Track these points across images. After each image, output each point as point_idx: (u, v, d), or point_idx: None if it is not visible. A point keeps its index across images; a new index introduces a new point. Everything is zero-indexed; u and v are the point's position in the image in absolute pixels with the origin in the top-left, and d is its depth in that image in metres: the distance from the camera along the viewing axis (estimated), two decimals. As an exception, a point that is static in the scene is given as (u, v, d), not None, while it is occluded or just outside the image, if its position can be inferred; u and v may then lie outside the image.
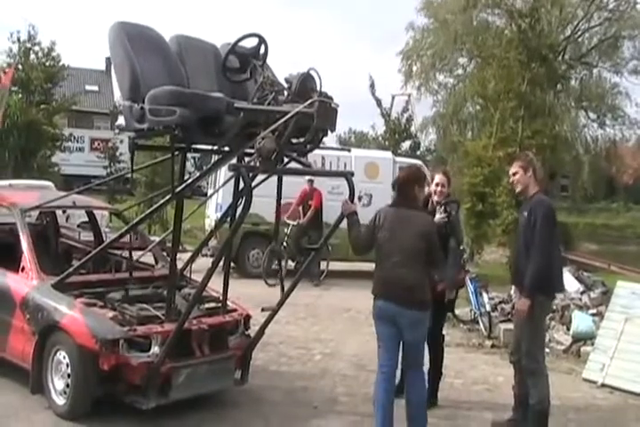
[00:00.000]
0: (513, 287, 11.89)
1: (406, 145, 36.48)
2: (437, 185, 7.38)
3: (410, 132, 35.75)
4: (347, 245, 6.84)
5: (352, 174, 6.86)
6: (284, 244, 14.83)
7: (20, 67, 25.60)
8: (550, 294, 6.66)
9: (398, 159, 18.25)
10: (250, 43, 6.29)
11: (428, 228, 6.10)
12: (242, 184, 5.93)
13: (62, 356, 6.32)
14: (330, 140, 46.17)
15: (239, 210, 5.87)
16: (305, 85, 5.83)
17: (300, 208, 15.58)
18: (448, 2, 31.74)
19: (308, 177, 14.74)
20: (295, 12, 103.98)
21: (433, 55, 33.67)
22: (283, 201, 15.30)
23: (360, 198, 15.92)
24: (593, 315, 10.24)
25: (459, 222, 7.48)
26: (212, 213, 16.70)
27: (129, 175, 8.58)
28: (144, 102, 5.78)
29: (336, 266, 15.88)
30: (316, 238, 14.41)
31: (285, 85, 6.03)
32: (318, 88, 5.83)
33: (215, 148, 6.57)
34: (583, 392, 8.16)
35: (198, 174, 7.13)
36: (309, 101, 5.54)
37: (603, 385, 8.35)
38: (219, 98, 5.77)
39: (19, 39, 26.01)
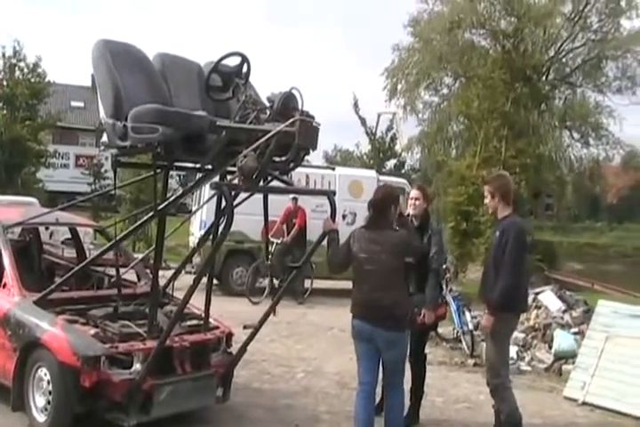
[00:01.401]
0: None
1: (391, 164, 36.66)
2: (412, 199, 7.43)
3: (394, 150, 35.94)
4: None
5: (334, 193, 6.91)
6: (269, 262, 14.86)
7: (4, 83, 25.62)
8: (516, 312, 6.78)
9: (382, 178, 18.32)
10: (233, 61, 6.33)
11: (402, 242, 6.14)
12: (224, 202, 5.95)
13: (44, 373, 6.30)
14: (316, 158, 46.28)
15: (221, 228, 5.90)
16: (287, 104, 5.86)
17: (285, 226, 15.60)
18: (433, 21, 31.95)
19: (291, 195, 14.79)
20: (281, 31, 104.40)
21: (418, 73, 33.82)
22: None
23: (344, 217, 16.01)
24: (575, 333, 10.30)
25: (442, 249, 7.50)
26: (195, 231, 16.71)
27: (113, 192, 8.59)
28: (127, 120, 5.80)
29: (320, 284, 15.89)
30: (300, 257, 14.41)
31: (267, 104, 6.08)
32: (300, 107, 5.86)
33: (198, 166, 6.59)
34: (564, 410, 8.19)
35: (181, 192, 7.14)
36: (291, 120, 5.57)
37: (584, 403, 8.37)
38: (201, 116, 5.81)
39: (3, 55, 26.03)
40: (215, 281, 16.35)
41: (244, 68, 6.32)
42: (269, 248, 15.25)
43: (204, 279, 6.82)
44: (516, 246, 6.41)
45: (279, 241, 15.26)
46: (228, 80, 6.33)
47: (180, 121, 5.66)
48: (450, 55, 30.95)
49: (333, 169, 18.67)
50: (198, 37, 74.41)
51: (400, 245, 6.10)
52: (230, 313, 7.07)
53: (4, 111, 25.51)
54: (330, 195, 6.83)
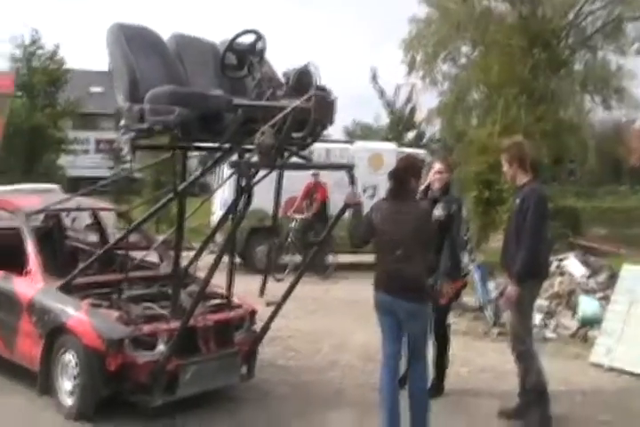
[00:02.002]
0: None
1: (410, 136, 36.49)
2: (437, 173, 7.41)
3: (414, 122, 35.77)
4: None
5: (353, 167, 6.87)
6: (291, 238, 14.89)
7: (24, 71, 25.70)
8: (538, 279, 6.75)
9: (402, 150, 18.24)
10: (247, 39, 6.33)
11: (424, 217, 6.10)
12: (243, 180, 5.95)
13: (70, 357, 6.38)
14: (337, 132, 46.17)
15: (241, 206, 5.92)
16: (302, 80, 5.87)
17: (306, 202, 15.60)
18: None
19: (312, 171, 14.76)
20: (296, 10, 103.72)
21: (435, 44, 33.51)
22: (288, 195, 15.62)
23: (365, 190, 15.96)
24: (600, 299, 10.25)
25: (460, 220, 7.44)
26: (217, 210, 16.75)
27: (135, 176, 8.63)
28: (143, 102, 5.81)
29: (344, 259, 15.91)
30: (322, 232, 14.46)
31: (284, 81, 6.08)
32: (315, 82, 5.85)
33: (216, 145, 6.60)
34: (590, 377, 8.20)
35: (199, 172, 7.17)
36: (306, 96, 5.58)
37: (610, 369, 8.37)
38: (217, 96, 5.81)
39: (22, 43, 26.07)
40: (239, 259, 16.54)
41: (259, 46, 6.31)
42: (291, 225, 15.33)
43: (226, 258, 6.85)
44: (536, 213, 6.38)
45: (301, 217, 15.27)
46: (242, 58, 6.34)
47: (197, 101, 5.66)
48: (467, 23, 30.59)
49: (352, 143, 18.63)
50: (213, 17, 74.16)
51: (423, 217, 6.09)
52: (255, 291, 7.09)
53: (24, 99, 25.56)
54: (350, 169, 6.79)
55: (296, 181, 15.00)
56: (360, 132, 49.37)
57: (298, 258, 15.05)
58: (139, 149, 6.62)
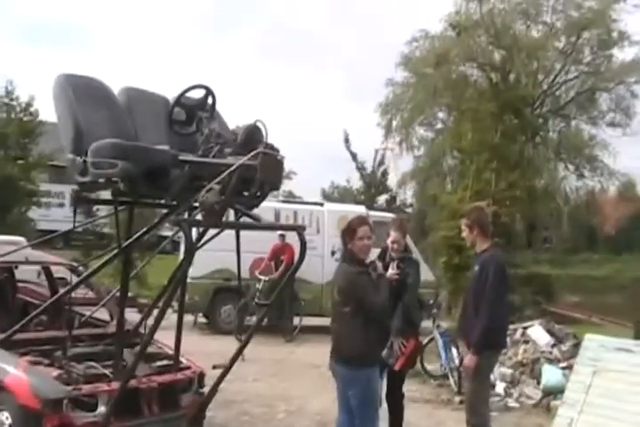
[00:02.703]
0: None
1: (382, 199, 36.69)
2: (392, 242, 7.29)
3: (386, 185, 35.99)
4: (320, 300, 6.74)
5: (303, 229, 6.75)
6: (256, 299, 14.67)
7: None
8: (497, 349, 6.61)
9: (372, 213, 18.15)
10: (197, 94, 6.23)
11: (345, 280, 5.93)
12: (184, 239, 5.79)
13: (5, 417, 6.13)
14: (314, 194, 46.31)
15: (182, 264, 5.78)
16: (251, 137, 5.74)
17: (273, 263, 15.43)
18: (425, 57, 32.09)
19: (279, 232, 14.66)
20: (271, 65, 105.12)
21: (412, 109, 33.92)
22: (255, 256, 15.43)
23: (333, 253, 15.84)
24: (563, 368, 10.09)
25: (416, 280, 7.31)
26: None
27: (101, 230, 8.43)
28: (87, 155, 5.68)
29: (310, 321, 15.68)
30: (289, 294, 14.29)
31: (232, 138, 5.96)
32: (264, 140, 5.74)
33: (162, 201, 6.46)
34: (550, 450, 7.95)
35: (145, 229, 7.01)
36: (252, 153, 5.45)
37: (571, 441, 8.13)
38: (163, 151, 5.69)
39: (-4, 95, 26.09)
40: (204, 319, 16.30)
41: (209, 101, 6.22)
42: (257, 285, 15.13)
43: (169, 316, 6.67)
44: (495, 282, 6.29)
45: (267, 278, 15.08)
46: (191, 113, 6.22)
47: (140, 155, 5.52)
48: (443, 89, 31.05)
49: (322, 205, 18.56)
50: (188, 72, 75.03)
51: (344, 283, 5.93)
52: (217, 352, 6.92)
53: (-4, 150, 25.48)
54: (299, 230, 6.66)
55: (264, 242, 14.93)
56: (337, 195, 49.47)
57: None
58: (82, 202, 6.46)
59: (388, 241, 7.36)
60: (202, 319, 16.37)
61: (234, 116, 6.65)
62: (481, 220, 6.69)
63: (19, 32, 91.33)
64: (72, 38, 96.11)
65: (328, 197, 49.63)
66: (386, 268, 6.87)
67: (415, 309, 7.32)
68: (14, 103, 26.27)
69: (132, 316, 8.23)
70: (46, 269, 9.14)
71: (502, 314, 6.54)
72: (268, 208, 15.17)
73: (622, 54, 32.43)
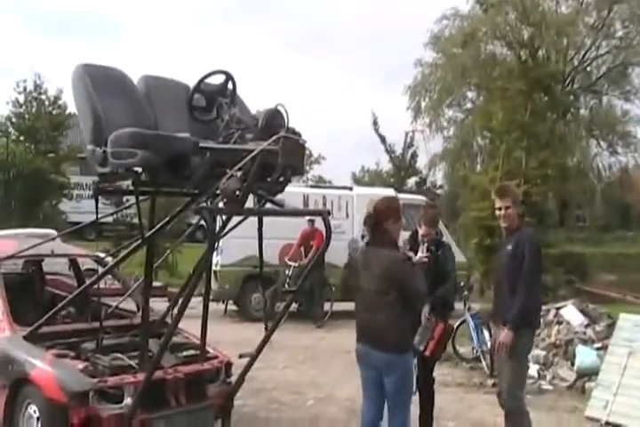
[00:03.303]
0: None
1: (412, 181, 36.49)
2: (423, 235, 7.22)
3: (416, 167, 35.80)
4: (350, 285, 6.64)
5: (328, 213, 6.63)
6: (286, 285, 14.61)
7: (26, 116, 25.81)
8: (533, 329, 6.48)
9: (401, 196, 17.98)
10: (217, 80, 6.14)
11: (390, 267, 5.73)
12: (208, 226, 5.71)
13: (33, 410, 6.10)
14: (344, 178, 46.20)
15: (205, 252, 5.71)
16: (272, 122, 5.63)
17: (302, 249, 15.35)
18: (454, 36, 31.81)
19: (307, 217, 14.57)
20: (301, 57, 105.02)
21: (441, 90, 33.68)
22: (284, 242, 15.34)
23: (363, 237, 15.70)
24: (598, 349, 9.92)
25: (453, 265, 7.30)
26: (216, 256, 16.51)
27: (106, 220, 8.38)
28: (107, 146, 5.61)
29: (341, 306, 15.59)
30: (318, 279, 14.20)
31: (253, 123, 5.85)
32: (285, 124, 5.64)
33: (184, 190, 6.38)
34: (586, 432, 7.82)
35: (167, 218, 6.95)
36: (273, 138, 5.34)
37: (607, 423, 7.98)
38: (183, 138, 5.60)
39: (25, 89, 26.20)
40: (235, 307, 16.28)
41: (229, 86, 6.12)
42: (287, 272, 15.06)
43: (199, 305, 6.62)
44: (532, 261, 6.17)
45: (297, 264, 15.01)
46: (211, 100, 6.12)
47: (161, 144, 5.44)
48: (472, 69, 30.79)
49: (351, 189, 18.43)
50: (212, 63, 74.91)
51: (388, 270, 5.73)
52: (248, 340, 6.85)
53: (26, 144, 25.60)
54: (325, 215, 6.54)
55: (293, 228, 14.86)
56: (367, 178, 49.36)
57: (294, 306, 14.75)
58: (102, 193, 6.41)
59: (420, 233, 7.26)
60: (232, 307, 16.33)
61: (260, 103, 6.53)
62: (517, 197, 6.65)
63: (48, 26, 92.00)
64: (101, 30, 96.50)
65: (358, 181, 49.58)
66: (415, 251, 6.79)
67: (451, 294, 7.27)
68: (43, 97, 26.38)
69: (161, 306, 8.21)
70: (73, 262, 9.12)
71: (539, 293, 6.49)
72: (296, 193, 15.11)
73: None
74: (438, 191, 36.78)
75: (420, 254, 6.77)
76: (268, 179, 5.74)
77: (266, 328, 6.84)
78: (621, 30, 32.96)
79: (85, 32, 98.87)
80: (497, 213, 6.54)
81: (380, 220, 5.91)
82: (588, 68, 34.14)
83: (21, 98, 26.48)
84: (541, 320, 8.60)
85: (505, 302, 6.28)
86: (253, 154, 5.26)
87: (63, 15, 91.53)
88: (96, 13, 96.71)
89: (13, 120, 26.47)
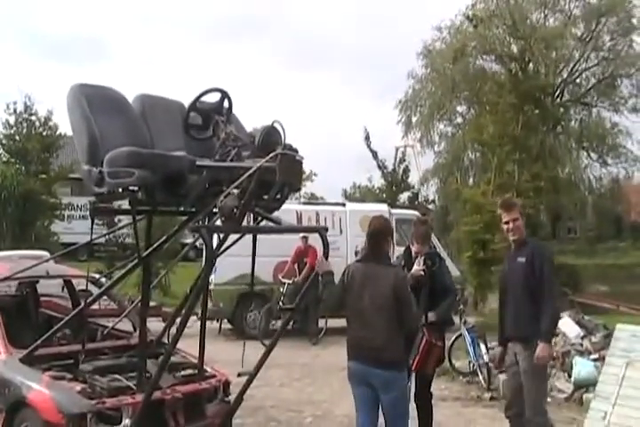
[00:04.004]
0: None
1: (405, 196, 36.52)
2: (416, 253, 7.21)
3: (408, 183, 35.85)
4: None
5: (326, 229, 6.66)
6: (281, 303, 14.57)
7: (16, 137, 25.75)
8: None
9: (394, 211, 18.02)
10: (213, 98, 6.15)
11: (398, 284, 5.71)
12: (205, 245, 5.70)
13: (31, 433, 6.06)
14: (335, 195, 46.20)
15: (203, 271, 5.70)
16: (268, 139, 5.65)
17: (296, 266, 15.33)
18: (444, 51, 31.95)
19: (301, 234, 14.56)
20: (298, 75, 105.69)
21: (431, 105, 33.78)
22: (278, 260, 15.30)
23: (356, 253, 15.69)
24: (594, 360, 9.91)
25: (443, 273, 7.24)
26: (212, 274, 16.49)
27: (98, 241, 8.36)
28: (103, 166, 5.60)
29: (336, 323, 15.53)
30: (313, 297, 14.15)
31: (249, 140, 5.85)
32: (282, 141, 5.64)
33: (181, 209, 6.37)
34: (585, 444, 7.77)
35: (164, 238, 6.93)
36: (271, 155, 5.35)
37: (606, 435, 7.96)
38: (179, 157, 5.62)
39: (15, 110, 26.16)
40: (229, 326, 16.22)
41: (225, 104, 6.13)
42: (281, 289, 15.02)
43: (194, 324, 6.59)
44: (551, 269, 6.26)
45: (291, 281, 14.98)
46: (207, 118, 6.14)
47: (157, 163, 5.45)
48: (462, 83, 30.92)
49: (344, 205, 18.43)
50: (201, 81, 75.14)
51: (396, 286, 5.73)
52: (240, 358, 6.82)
53: (17, 166, 25.53)
54: (322, 231, 6.58)
55: (287, 245, 14.83)
56: (358, 194, 49.39)
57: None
58: (99, 213, 6.40)
59: (413, 250, 7.26)
60: (227, 326, 16.28)
61: (253, 120, 6.55)
62: (521, 209, 6.67)
63: (39, 48, 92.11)
64: (90, 50, 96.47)
65: (349, 197, 49.60)
66: (409, 267, 6.81)
67: (454, 308, 7.28)
68: (34, 118, 26.35)
69: (156, 325, 8.17)
70: (68, 283, 9.08)
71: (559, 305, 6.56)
72: (289, 210, 15.06)
73: (642, 39, 32.18)
74: (430, 206, 36.82)
75: (416, 267, 6.80)
76: (265, 196, 5.75)
77: (264, 345, 6.81)
78: (609, 42, 33.14)
79: (75, 54, 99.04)
80: (504, 227, 6.54)
81: (380, 237, 5.92)
82: (578, 81, 34.30)
83: (12, 119, 26.42)
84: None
85: (524, 315, 6.27)
86: (251, 171, 5.27)
87: (53, 37, 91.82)
88: (82, 35, 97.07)
89: (4, 142, 26.38)
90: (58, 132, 26.71)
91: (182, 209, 6.32)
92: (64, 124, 25.38)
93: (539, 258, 6.21)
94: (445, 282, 7.13)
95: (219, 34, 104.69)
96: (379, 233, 5.97)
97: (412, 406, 6.66)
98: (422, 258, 6.98)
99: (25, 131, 26.14)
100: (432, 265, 7.02)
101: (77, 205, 34.93)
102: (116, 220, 28.58)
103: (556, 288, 6.30)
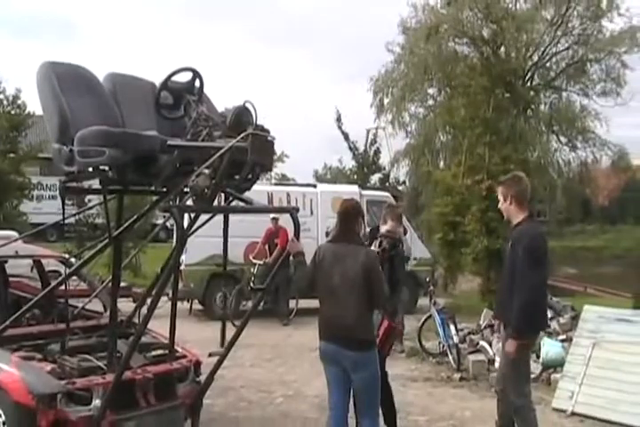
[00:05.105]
0: (482, 317, 11.73)
1: (376, 178, 36.56)
2: (389, 231, 7.28)
3: (379, 164, 35.87)
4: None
5: (297, 210, 6.65)
6: (251, 284, 14.57)
7: (-17, 116, 25.45)
8: (536, 331, 6.44)
9: (365, 192, 18.06)
10: (185, 77, 6.10)
11: (369, 262, 5.72)
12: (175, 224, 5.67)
13: (-1, 415, 6.02)
14: (307, 176, 46.18)
15: (174, 251, 5.68)
16: (240, 119, 5.61)
17: (267, 247, 15.33)
18: (418, 31, 31.80)
19: (271, 215, 14.57)
20: (271, 54, 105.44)
21: (403, 87, 33.65)
22: (249, 240, 15.28)
23: (327, 234, 15.71)
24: (562, 341, 10.05)
25: (396, 268, 7.14)
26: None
27: (68, 221, 8.30)
28: (73, 144, 5.55)
29: (307, 304, 15.57)
30: (284, 277, 14.15)
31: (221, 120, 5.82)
32: (254, 121, 5.61)
33: (152, 188, 6.32)
34: (552, 423, 7.84)
35: (135, 217, 6.89)
36: (242, 135, 5.32)
37: (573, 414, 8.06)
38: (151, 136, 5.57)
39: (-18, 89, 25.85)
40: (199, 306, 16.20)
41: (197, 84, 6.09)
42: (252, 270, 15.03)
43: (165, 305, 6.55)
44: (529, 259, 5.90)
45: (261, 262, 14.98)
46: (179, 97, 6.09)
47: (128, 142, 5.40)
48: (435, 65, 30.85)
49: (315, 186, 18.43)
50: (175, 57, 74.71)
51: (369, 261, 5.77)
52: (212, 338, 6.82)
53: (-15, 145, 25.25)
54: (293, 212, 6.56)
55: (258, 226, 14.82)
56: (330, 176, 49.39)
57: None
58: (70, 193, 6.35)
59: (384, 228, 7.27)
60: (197, 306, 16.26)
61: (225, 100, 6.51)
62: (517, 189, 6.30)
63: (3, 26, 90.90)
64: (59, 30, 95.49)
65: (320, 178, 49.58)
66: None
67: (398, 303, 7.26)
68: (1, 97, 26.03)
69: (127, 306, 8.13)
70: (37, 263, 9.02)
71: (540, 293, 6.12)
72: (260, 191, 15.05)
73: (612, 25, 32.24)
74: (401, 188, 36.81)
75: (372, 247, 6.81)
76: (237, 176, 5.72)
77: (234, 325, 6.79)
78: (579, 27, 33.18)
79: (43, 32, 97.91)
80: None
81: (351, 217, 5.93)
82: (548, 65, 34.30)
83: (-21, 98, 26.11)
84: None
85: (504, 303, 6.21)
86: (222, 151, 5.23)
87: (16, 15, 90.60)
88: (50, 13, 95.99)
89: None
90: (26, 111, 26.41)
91: (153, 189, 6.26)
92: (32, 103, 25.15)
93: (518, 244, 6.05)
94: (395, 276, 7.03)
95: (190, 12, 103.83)
96: (349, 213, 5.98)
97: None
98: (379, 240, 7.02)
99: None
100: (390, 249, 7.02)
101: (47, 185, 34.65)
102: (85, 200, 28.58)
103: (533, 278, 5.86)
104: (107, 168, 5.67)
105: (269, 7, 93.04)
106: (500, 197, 6.40)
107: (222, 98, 6.69)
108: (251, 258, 15.14)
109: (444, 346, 10.89)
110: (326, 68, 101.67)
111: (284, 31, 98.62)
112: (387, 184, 35.30)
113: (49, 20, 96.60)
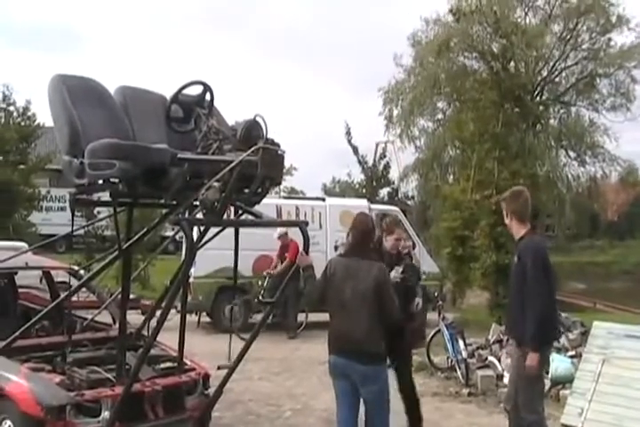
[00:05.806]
0: (491, 332, 11.69)
1: (385, 192, 36.55)
2: (397, 240, 7.28)
3: (388, 178, 35.85)
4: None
5: (306, 223, 6.65)
6: (260, 297, 14.56)
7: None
8: (551, 342, 6.41)
9: (374, 206, 18.08)
10: (195, 91, 6.13)
11: (380, 277, 5.75)
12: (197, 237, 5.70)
13: (8, 425, 6.04)
14: (315, 189, 46.21)
15: (183, 264, 5.69)
16: (250, 133, 5.64)
17: (279, 261, 15.33)
18: (428, 44, 31.88)
19: (278, 232, 14.64)
20: (282, 68, 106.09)
21: (413, 100, 33.68)
22: (257, 253, 15.28)
23: (336, 248, 15.71)
24: (571, 357, 10.01)
25: (414, 286, 7.31)
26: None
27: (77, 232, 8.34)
28: (84, 157, 5.58)
29: (316, 317, 15.55)
30: (293, 291, 14.13)
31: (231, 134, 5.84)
32: (264, 135, 5.63)
33: (162, 201, 6.35)
34: (561, 440, 7.82)
35: (145, 230, 6.92)
36: (252, 149, 5.35)
37: (582, 431, 8.02)
38: (161, 149, 5.59)
39: (-7, 100, 25.95)
40: (208, 319, 16.19)
41: (207, 97, 6.12)
42: (262, 283, 15.03)
43: (173, 317, 6.56)
44: (536, 272, 5.91)
45: (265, 273, 15.01)
46: (189, 110, 6.13)
47: (139, 155, 5.43)
48: (444, 79, 30.90)
49: (324, 200, 18.44)
50: (184, 71, 75.38)
51: (380, 276, 5.78)
52: (222, 351, 6.80)
53: (-6, 156, 25.33)
54: (302, 226, 6.58)
55: (267, 239, 14.83)
56: (338, 189, 49.44)
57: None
58: (80, 205, 6.37)
59: (392, 238, 7.26)
60: (206, 319, 16.25)
61: (234, 113, 6.54)
62: (515, 205, 6.31)
63: (13, 37, 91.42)
64: (68, 42, 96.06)
65: (329, 191, 49.63)
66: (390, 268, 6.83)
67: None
68: (12, 108, 26.14)
69: (135, 318, 8.14)
70: (47, 274, 9.04)
71: (550, 305, 6.07)
72: (269, 205, 15.04)
73: (621, 39, 32.30)
74: (409, 202, 36.83)
75: (394, 274, 6.81)
76: (246, 190, 5.74)
77: (241, 338, 6.79)
78: (588, 41, 33.23)
79: (50, 43, 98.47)
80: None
81: (366, 233, 5.95)
82: (557, 79, 34.33)
83: (-11, 109, 26.22)
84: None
85: (515, 317, 6.19)
86: (232, 165, 5.26)
87: (25, 26, 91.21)
88: (59, 24, 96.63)
89: (-19, 132, 26.15)
90: (36, 122, 26.53)
91: (163, 202, 6.30)
92: (42, 115, 25.25)
93: (524, 258, 6.04)
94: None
95: (198, 24, 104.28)
96: (363, 229, 5.99)
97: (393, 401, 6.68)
98: (402, 268, 7.04)
99: (3, 120, 25.91)
100: (408, 279, 7.06)
101: (56, 197, 34.68)
102: (95, 212, 28.62)
103: (543, 290, 5.88)
104: (117, 181, 5.70)
105: (276, 18, 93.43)
106: (504, 213, 6.42)
107: (228, 110, 6.71)
108: (265, 272, 15.13)
109: (452, 361, 10.84)
110: (336, 81, 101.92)
111: (293, 45, 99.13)
112: (395, 198, 35.29)
113: (57, 31, 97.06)
